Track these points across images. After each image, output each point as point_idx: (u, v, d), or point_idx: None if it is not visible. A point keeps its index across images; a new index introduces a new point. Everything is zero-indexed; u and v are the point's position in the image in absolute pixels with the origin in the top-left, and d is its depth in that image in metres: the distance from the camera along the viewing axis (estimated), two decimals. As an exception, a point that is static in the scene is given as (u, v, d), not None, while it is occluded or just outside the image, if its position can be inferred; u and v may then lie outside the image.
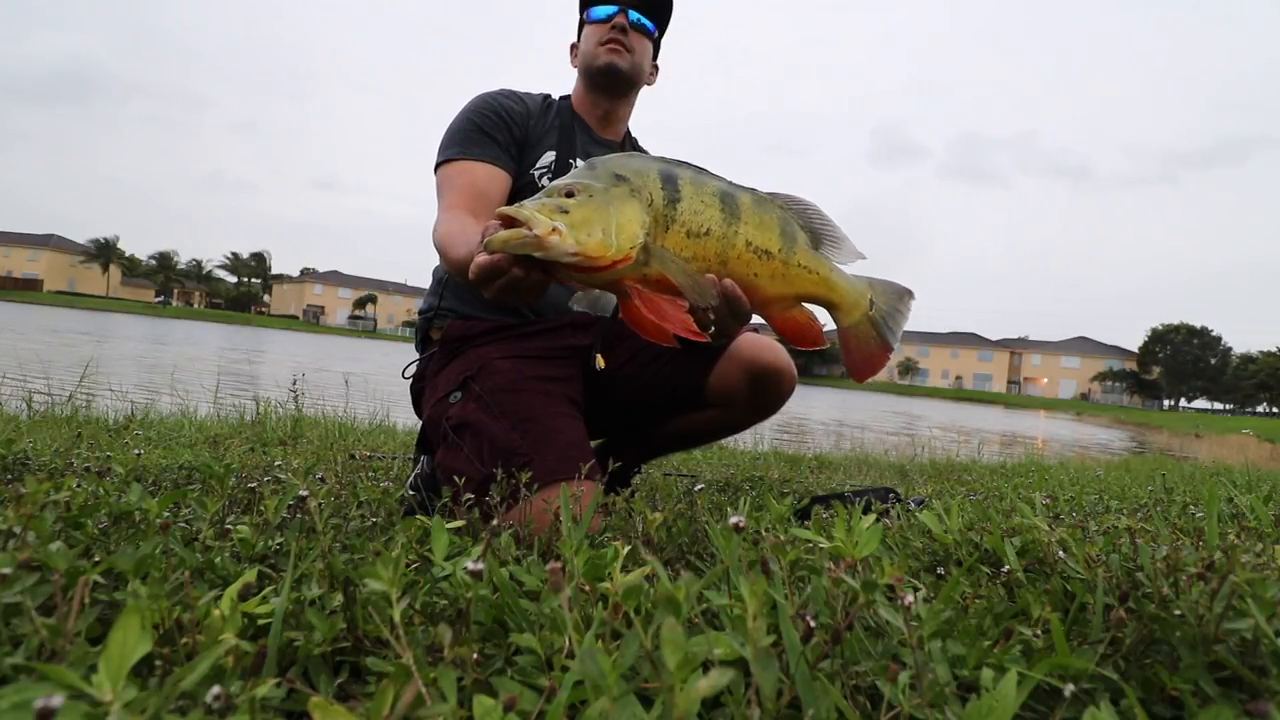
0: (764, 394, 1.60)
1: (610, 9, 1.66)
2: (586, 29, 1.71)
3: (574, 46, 1.77)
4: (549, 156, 1.63)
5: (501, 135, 1.59)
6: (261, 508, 0.96)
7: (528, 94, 1.71)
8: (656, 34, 1.75)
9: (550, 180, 1.57)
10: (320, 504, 0.81)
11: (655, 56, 1.78)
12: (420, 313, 1.74)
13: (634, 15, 1.67)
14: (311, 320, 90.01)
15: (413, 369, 1.72)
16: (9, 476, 1.40)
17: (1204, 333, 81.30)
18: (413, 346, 1.79)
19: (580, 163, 1.63)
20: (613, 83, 1.69)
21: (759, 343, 1.59)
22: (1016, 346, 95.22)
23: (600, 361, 1.59)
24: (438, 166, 1.57)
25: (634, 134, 1.83)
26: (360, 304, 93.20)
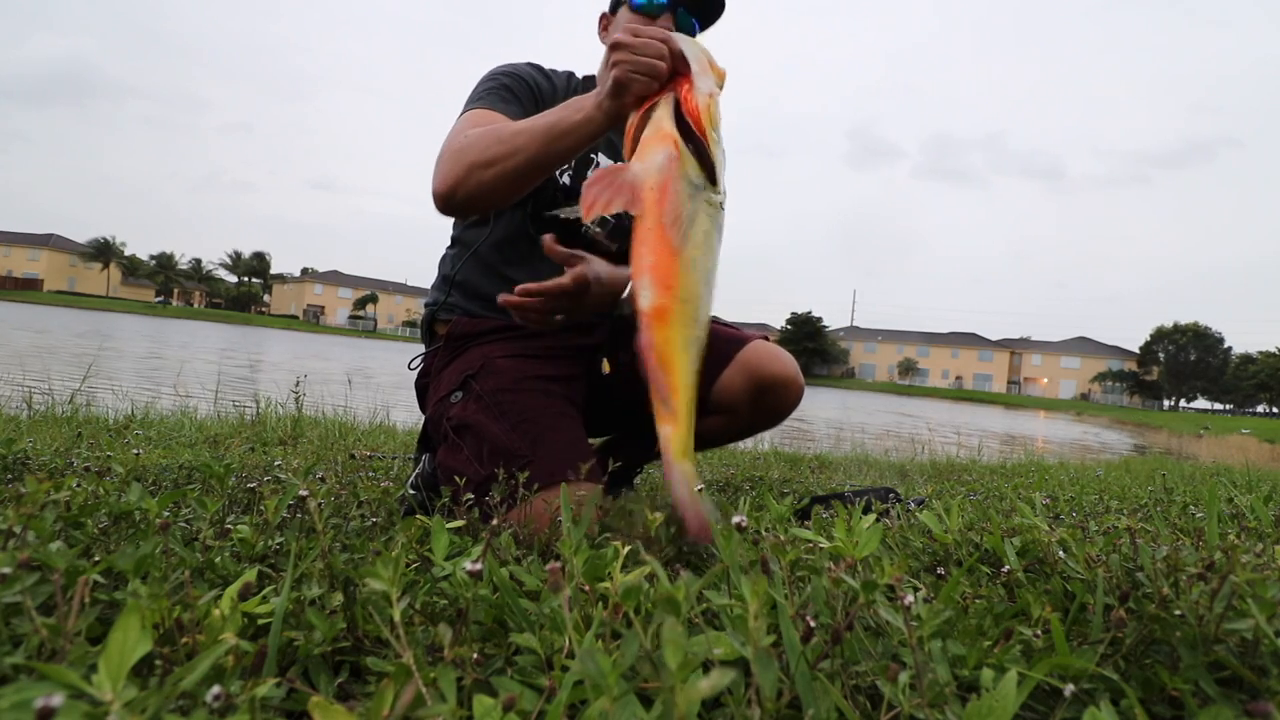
0: (768, 404, 1.57)
1: (660, 3, 1.50)
2: (627, 13, 1.55)
3: (605, 17, 1.60)
4: None
5: (527, 101, 1.50)
6: (261, 507, 0.96)
7: (553, 71, 1.63)
8: (699, 33, 1.62)
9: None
10: (320, 504, 0.81)
11: None
12: (426, 305, 1.72)
13: (683, 16, 1.53)
14: (312, 320, 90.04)
15: (419, 362, 1.72)
16: (9, 476, 1.40)
17: (1205, 333, 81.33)
18: (406, 344, 1.76)
19: (602, 158, 1.60)
20: None
21: (765, 352, 1.55)
22: (1017, 346, 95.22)
23: (606, 367, 1.58)
24: (459, 117, 1.46)
25: None
26: (360, 304, 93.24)
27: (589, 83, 1.65)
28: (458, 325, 1.59)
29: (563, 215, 1.15)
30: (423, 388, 1.67)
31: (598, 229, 1.59)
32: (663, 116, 1.06)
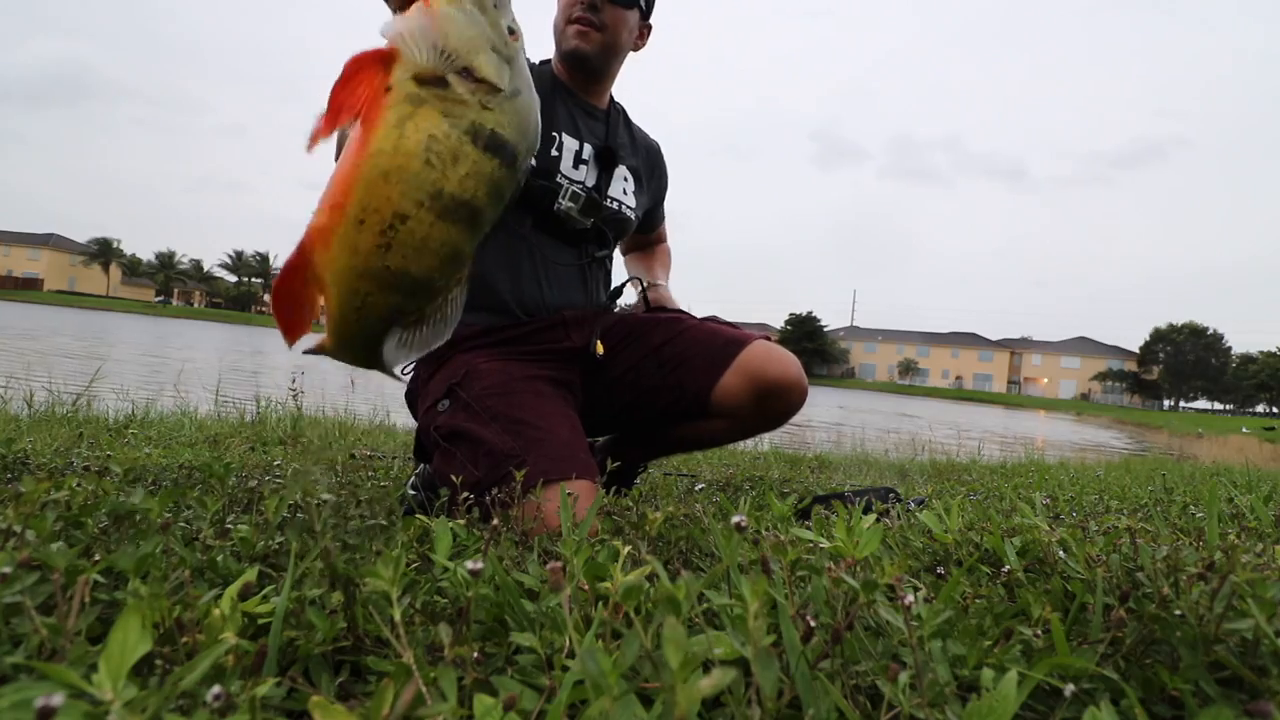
0: (771, 408, 1.55)
1: None
2: None
3: None
4: None
5: None
6: (262, 507, 0.96)
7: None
8: (643, 2, 1.60)
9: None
10: (320, 503, 0.81)
11: (648, 15, 1.63)
12: None
13: None
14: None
15: (410, 367, 1.71)
16: (9, 476, 1.40)
17: (1206, 332, 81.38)
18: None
19: (566, 138, 1.57)
20: (580, 67, 1.60)
21: (766, 354, 1.53)
22: (1017, 346, 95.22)
23: (599, 348, 1.55)
24: None
25: (619, 101, 1.74)
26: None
27: (545, 69, 1.64)
28: None
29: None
30: (412, 398, 1.67)
31: (570, 204, 1.57)
32: None
